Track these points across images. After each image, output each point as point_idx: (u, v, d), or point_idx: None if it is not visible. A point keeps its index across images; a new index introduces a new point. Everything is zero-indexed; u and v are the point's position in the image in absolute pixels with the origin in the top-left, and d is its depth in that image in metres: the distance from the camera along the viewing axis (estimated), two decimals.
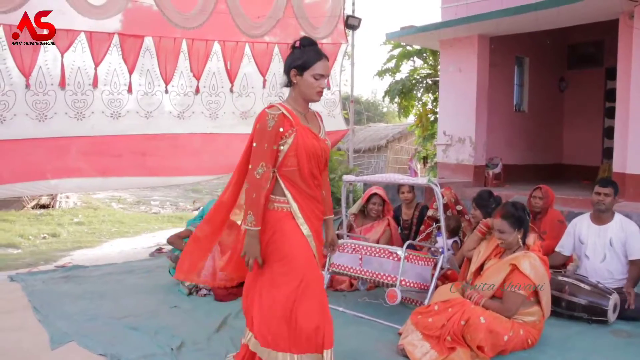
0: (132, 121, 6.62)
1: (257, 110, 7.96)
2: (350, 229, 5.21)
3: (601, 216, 4.54)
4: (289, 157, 2.76)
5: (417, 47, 14.06)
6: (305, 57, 2.75)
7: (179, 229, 10.11)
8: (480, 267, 3.78)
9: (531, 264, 3.45)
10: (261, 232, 2.77)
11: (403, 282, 3.97)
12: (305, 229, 2.80)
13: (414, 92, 14.54)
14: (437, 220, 5.14)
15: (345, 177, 4.77)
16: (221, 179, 7.80)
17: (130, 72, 6.39)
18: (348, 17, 8.05)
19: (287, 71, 2.82)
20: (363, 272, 4.23)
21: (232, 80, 7.18)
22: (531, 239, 3.65)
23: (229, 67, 7.09)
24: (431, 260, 4.23)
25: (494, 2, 8.79)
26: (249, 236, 2.74)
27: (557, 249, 4.69)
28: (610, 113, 11.11)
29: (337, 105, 8.28)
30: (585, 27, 9.19)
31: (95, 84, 6.18)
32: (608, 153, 11.08)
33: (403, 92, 14.25)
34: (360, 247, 4.31)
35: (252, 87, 7.51)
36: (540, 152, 11.18)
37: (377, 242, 5.01)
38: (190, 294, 4.87)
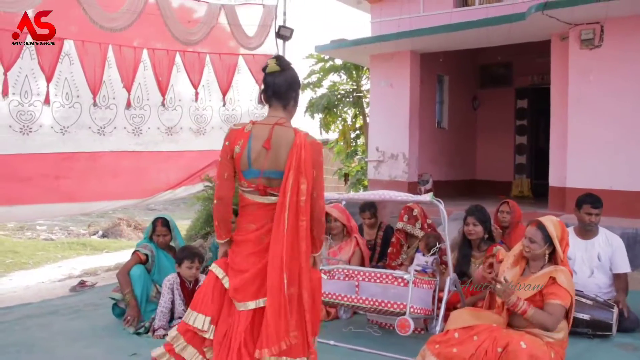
0: (45, 137, 5.68)
1: (184, 126, 7.41)
2: None
3: (587, 231, 4.47)
4: None
5: (339, 61, 13.82)
6: None
7: (88, 257, 8.90)
8: None
9: (566, 277, 3.20)
10: None
11: (412, 309, 3.54)
12: None
13: (340, 107, 14.23)
14: (408, 234, 4.86)
15: (328, 195, 4.19)
16: None
17: (48, 80, 5.47)
18: (280, 27, 7.62)
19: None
20: (361, 301, 3.74)
21: (163, 92, 6.45)
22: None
23: (160, 78, 6.35)
24: (432, 282, 3.84)
25: (424, 19, 8.80)
26: None
27: None
28: (521, 131, 11.61)
29: None
30: (494, 49, 9.48)
31: (5, 92, 5.21)
32: (519, 169, 11.53)
33: (327, 107, 13.91)
34: (356, 272, 3.82)
35: (180, 99, 6.81)
36: (458, 167, 11.37)
37: (349, 263, 4.60)
38: (138, 333, 4.09)
